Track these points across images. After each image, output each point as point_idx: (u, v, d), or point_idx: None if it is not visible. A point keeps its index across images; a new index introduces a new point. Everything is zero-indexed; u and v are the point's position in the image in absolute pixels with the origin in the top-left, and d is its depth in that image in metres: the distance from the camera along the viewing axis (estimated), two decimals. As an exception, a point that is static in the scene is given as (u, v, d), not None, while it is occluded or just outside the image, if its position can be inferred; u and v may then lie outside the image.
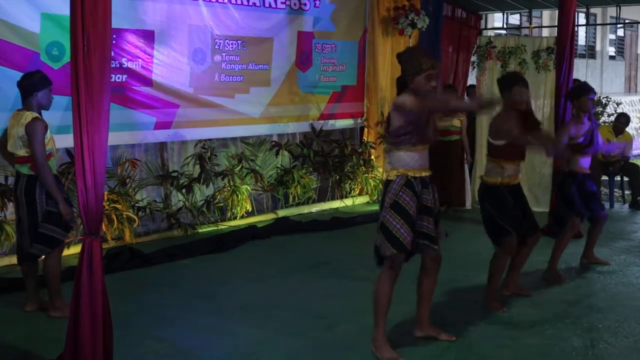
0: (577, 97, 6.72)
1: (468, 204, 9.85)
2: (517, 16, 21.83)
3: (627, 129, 11.23)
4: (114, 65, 7.26)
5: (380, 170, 10.40)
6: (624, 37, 31.35)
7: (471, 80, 12.19)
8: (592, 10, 16.72)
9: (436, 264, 4.95)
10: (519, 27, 20.80)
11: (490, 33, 14.52)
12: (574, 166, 6.69)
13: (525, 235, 5.80)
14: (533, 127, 5.71)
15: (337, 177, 10.07)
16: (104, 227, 7.25)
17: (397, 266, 4.73)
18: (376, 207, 9.80)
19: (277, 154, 9.46)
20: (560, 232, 6.83)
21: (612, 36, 30.43)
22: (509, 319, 5.56)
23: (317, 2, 9.66)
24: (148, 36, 7.87)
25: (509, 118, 5.56)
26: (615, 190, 11.21)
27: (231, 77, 8.76)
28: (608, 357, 4.86)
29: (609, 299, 6.15)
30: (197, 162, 8.43)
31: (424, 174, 4.75)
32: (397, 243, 4.63)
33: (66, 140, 6.19)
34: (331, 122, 10.16)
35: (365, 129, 10.69)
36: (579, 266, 7.12)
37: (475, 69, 10.75)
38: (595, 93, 6.77)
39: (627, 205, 10.87)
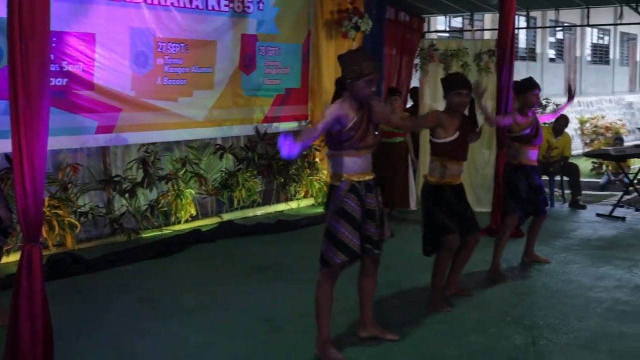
0: (522, 92, 6.81)
1: (413, 205, 9.92)
2: (460, 19, 22.09)
3: (566, 130, 11.47)
4: (54, 69, 7.15)
5: (325, 172, 10.43)
6: (563, 40, 31.98)
7: (414, 82, 12.31)
8: (532, 13, 16.96)
9: (375, 265, 4.94)
10: (461, 30, 21.08)
11: (433, 36, 14.68)
12: (523, 159, 6.79)
13: (466, 235, 5.82)
14: (469, 129, 5.81)
15: (282, 180, 10.07)
16: (44, 233, 7.13)
17: (337, 270, 4.74)
18: (321, 210, 9.85)
19: (221, 157, 9.41)
20: (499, 230, 6.93)
21: (552, 39, 31.02)
22: (453, 319, 5.62)
23: (261, 5, 9.65)
24: (89, 39, 7.75)
25: (436, 114, 5.75)
26: (555, 189, 11.43)
27: (174, 81, 8.69)
28: (549, 354, 4.95)
29: (549, 296, 6.27)
30: (140, 166, 8.35)
31: (367, 178, 4.75)
32: (346, 249, 4.62)
33: (5, 146, 6.08)
34: (275, 125, 10.15)
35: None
36: (520, 265, 7.24)
37: (418, 72, 10.85)
38: (539, 89, 6.85)
39: (567, 205, 11.10)
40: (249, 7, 9.48)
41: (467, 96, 5.69)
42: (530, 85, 6.78)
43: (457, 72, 6.32)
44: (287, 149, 4.10)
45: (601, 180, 16.29)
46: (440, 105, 10.46)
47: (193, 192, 8.86)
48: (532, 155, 6.87)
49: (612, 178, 15.67)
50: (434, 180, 5.73)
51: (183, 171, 8.85)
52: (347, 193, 4.65)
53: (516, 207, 6.78)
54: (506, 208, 6.89)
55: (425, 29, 13.21)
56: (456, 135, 5.66)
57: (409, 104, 11.90)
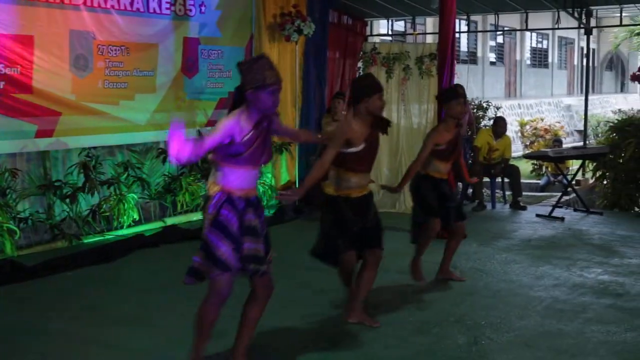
0: (446, 102, 6.57)
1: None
2: (402, 23, 22.30)
3: (507, 133, 11.67)
4: (-10, 72, 7.02)
5: (270, 175, 10.43)
6: (503, 43, 32.57)
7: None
8: (473, 17, 17.20)
9: (267, 291, 4.52)
10: (403, 34, 21.29)
11: (376, 39, 14.78)
12: (431, 170, 6.52)
13: (364, 250, 5.48)
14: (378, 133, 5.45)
15: (226, 183, 10.01)
16: (-18, 240, 6.98)
17: (223, 287, 4.36)
18: (266, 213, 9.84)
19: (164, 161, 9.33)
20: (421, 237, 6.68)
21: (493, 43, 31.57)
22: (396, 320, 5.67)
23: (203, 8, 9.60)
24: (27, 41, 7.61)
25: (345, 132, 5.24)
26: (496, 191, 11.61)
27: (115, 84, 8.59)
28: (490, 353, 5.03)
29: (491, 296, 6.37)
30: (82, 170, 8.22)
31: (249, 195, 4.39)
32: (219, 263, 4.29)
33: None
34: (219, 128, 10.08)
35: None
36: (462, 266, 7.33)
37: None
38: (465, 97, 6.57)
39: (508, 206, 11.29)
40: (190, 10, 9.42)
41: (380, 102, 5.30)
42: (454, 94, 6.50)
43: (369, 75, 5.80)
44: (177, 148, 3.89)
45: (541, 182, 16.58)
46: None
47: (135, 196, 8.77)
48: (443, 168, 6.58)
49: (552, 179, 15.97)
50: (328, 190, 5.38)
51: (125, 175, 8.75)
52: (222, 203, 4.28)
53: (426, 217, 6.52)
54: (416, 218, 6.63)
55: (368, 33, 13.32)
56: (362, 146, 5.29)
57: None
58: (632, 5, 13.14)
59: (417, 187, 6.61)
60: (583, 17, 12.37)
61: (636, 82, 11.05)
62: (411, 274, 6.71)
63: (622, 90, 42.44)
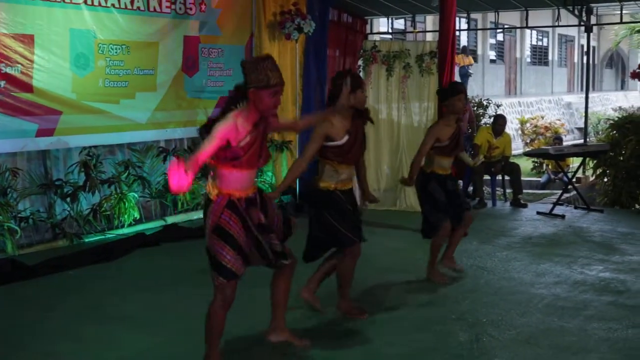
0: (446, 98, 6.62)
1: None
2: (402, 21, 22.29)
3: (506, 130, 11.66)
4: (-9, 71, 7.02)
5: (270, 174, 10.43)
6: (503, 41, 32.55)
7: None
8: (473, 15, 17.25)
9: (292, 265, 4.71)
10: (403, 32, 21.27)
11: (376, 37, 14.77)
12: (436, 167, 6.62)
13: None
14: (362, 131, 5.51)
15: (227, 182, 10.00)
16: (-17, 239, 6.99)
17: (229, 293, 4.41)
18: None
19: (164, 160, 9.33)
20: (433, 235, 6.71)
21: (492, 40, 31.56)
22: (397, 317, 5.67)
23: (203, 7, 9.59)
24: (27, 41, 7.62)
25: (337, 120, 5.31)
26: (497, 188, 11.61)
27: (116, 83, 8.59)
28: (492, 350, 5.04)
29: (492, 293, 6.37)
30: (82, 169, 8.22)
31: (250, 193, 4.41)
32: (224, 271, 4.32)
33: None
34: (219, 127, 10.08)
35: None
36: (464, 263, 7.33)
37: (361, 73, 10.91)
38: (465, 94, 6.69)
39: (508, 203, 11.29)
40: (191, 9, 9.42)
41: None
42: (455, 91, 6.59)
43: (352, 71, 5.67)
44: (177, 180, 3.76)
45: (541, 179, 16.60)
46: (384, 107, 10.65)
47: (136, 195, 8.78)
48: (447, 164, 6.67)
49: (552, 177, 15.98)
50: (324, 185, 5.41)
51: (126, 174, 8.75)
52: (223, 209, 4.28)
53: (442, 216, 6.58)
54: (435, 221, 6.62)
55: (368, 31, 13.30)
56: (346, 138, 5.34)
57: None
58: (633, 2, 13.13)
59: (424, 185, 6.66)
60: (583, 14, 12.35)
61: (636, 80, 11.03)
62: (433, 279, 6.65)
63: (622, 88, 42.42)
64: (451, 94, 6.56)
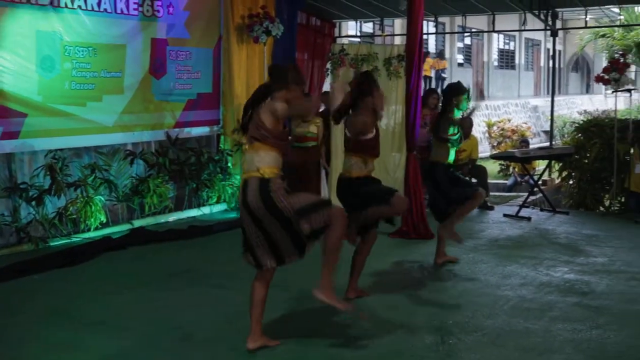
0: (456, 95, 7.19)
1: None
2: (371, 24, 22.38)
3: (473, 133, 11.72)
4: (-46, 73, 6.93)
5: (238, 177, 10.41)
6: (471, 45, 32.77)
7: (326, 87, 12.40)
8: (441, 19, 17.35)
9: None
10: (372, 35, 21.36)
11: (345, 41, 14.82)
12: (440, 157, 7.18)
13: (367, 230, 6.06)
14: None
15: (194, 185, 9.99)
16: (-54, 243, 6.90)
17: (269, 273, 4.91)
18: (233, 215, 9.83)
19: (131, 163, 9.28)
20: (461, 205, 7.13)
21: (460, 44, 31.76)
22: (362, 320, 5.68)
23: (171, 9, 9.56)
24: (-8, 43, 7.55)
25: (368, 116, 5.84)
26: (464, 191, 11.66)
27: (82, 85, 8.53)
28: (458, 352, 5.07)
29: (458, 296, 6.41)
30: (48, 173, 8.15)
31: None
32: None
33: None
34: (187, 130, 10.07)
35: (222, 137, 10.65)
36: (431, 266, 7.38)
37: (329, 76, 10.94)
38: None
39: (475, 206, 11.34)
40: (158, 11, 9.38)
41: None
42: (463, 89, 7.35)
43: (369, 73, 6.51)
44: None
45: (508, 182, 16.72)
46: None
47: (103, 198, 8.71)
48: (451, 154, 7.29)
49: (519, 180, 16.11)
50: (356, 174, 5.89)
51: (92, 177, 8.68)
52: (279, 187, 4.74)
53: (448, 204, 7.08)
54: (445, 207, 7.13)
55: (337, 34, 13.35)
56: (374, 133, 5.92)
57: (321, 108, 11.97)
58: (597, 7, 13.32)
59: (432, 174, 7.25)
60: (549, 19, 12.50)
61: (601, 84, 11.16)
62: (450, 237, 7.18)
63: (587, 92, 42.87)
64: (461, 92, 7.28)
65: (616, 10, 18.92)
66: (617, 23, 22.87)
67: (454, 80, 28.22)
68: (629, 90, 11.09)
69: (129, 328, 5.54)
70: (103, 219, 8.66)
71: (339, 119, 5.91)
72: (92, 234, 8.51)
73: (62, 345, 5.20)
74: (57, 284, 6.81)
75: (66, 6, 8.24)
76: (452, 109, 7.20)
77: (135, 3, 9.04)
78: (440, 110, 7.43)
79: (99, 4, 8.59)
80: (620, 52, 13.28)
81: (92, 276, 7.11)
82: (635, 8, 21.45)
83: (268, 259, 4.81)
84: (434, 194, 7.32)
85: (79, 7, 8.38)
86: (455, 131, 7.23)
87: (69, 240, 8.27)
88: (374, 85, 5.90)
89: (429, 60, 24.60)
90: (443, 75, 25.63)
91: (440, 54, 26.36)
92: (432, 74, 24.90)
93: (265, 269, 4.85)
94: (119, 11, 8.85)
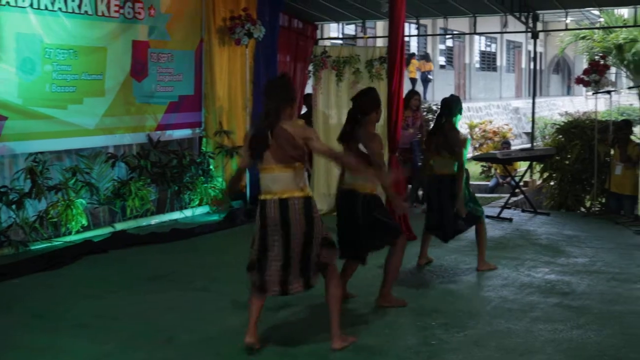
0: (460, 111, 7.22)
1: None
2: (353, 27, 22.42)
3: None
4: None
5: (220, 180, 10.39)
6: (452, 47, 32.90)
7: (308, 89, 12.41)
8: (423, 21, 17.38)
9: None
10: (354, 37, 21.40)
11: (327, 43, 14.83)
12: (449, 170, 7.09)
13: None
14: None
15: (176, 188, 9.95)
16: None
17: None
18: (215, 218, 9.82)
19: (113, 165, 9.23)
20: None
21: (442, 46, 31.88)
22: (345, 321, 5.67)
23: (152, 11, 9.53)
24: (-29, 45, 7.50)
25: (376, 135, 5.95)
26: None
27: (63, 88, 8.48)
28: (441, 353, 5.08)
29: (440, 297, 6.43)
30: (28, 176, 8.09)
31: None
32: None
33: None
34: (169, 132, 10.05)
35: (204, 139, 10.62)
36: (414, 267, 7.39)
37: (311, 79, 10.93)
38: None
39: (457, 208, 11.38)
40: (139, 13, 9.35)
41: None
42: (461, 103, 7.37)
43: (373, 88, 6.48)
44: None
45: (490, 183, 16.81)
46: (334, 112, 10.67)
47: (84, 202, 8.66)
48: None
49: (500, 181, 16.20)
50: (375, 190, 5.90)
51: (73, 181, 8.62)
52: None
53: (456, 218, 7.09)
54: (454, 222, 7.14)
55: (319, 36, 13.36)
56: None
57: (303, 110, 11.99)
58: (577, 10, 13.42)
59: (439, 187, 7.23)
60: (530, 21, 12.58)
61: (582, 85, 11.25)
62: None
63: (568, 93, 43.17)
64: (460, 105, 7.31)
65: (596, 12, 19.10)
66: (597, 25, 23.04)
67: (437, 83, 28.07)
68: (608, 92, 11.18)
69: (111, 331, 5.51)
70: (84, 222, 8.61)
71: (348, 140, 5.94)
72: (73, 238, 8.46)
73: (43, 349, 5.16)
74: (38, 288, 6.76)
75: (46, 8, 8.19)
76: (456, 121, 7.20)
77: (116, 5, 9.00)
78: (443, 123, 7.16)
79: (79, 6, 8.55)
80: (600, 54, 13.38)
81: (74, 280, 7.07)
82: (615, 10, 21.60)
83: (274, 286, 4.88)
84: (445, 209, 7.12)
85: (60, 9, 8.33)
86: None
87: (50, 244, 8.22)
88: (378, 102, 6.07)
89: (415, 62, 24.68)
90: (429, 77, 25.71)
91: (425, 56, 26.41)
92: (418, 75, 25.00)
93: (266, 294, 4.94)
94: (99, 13, 8.81)
